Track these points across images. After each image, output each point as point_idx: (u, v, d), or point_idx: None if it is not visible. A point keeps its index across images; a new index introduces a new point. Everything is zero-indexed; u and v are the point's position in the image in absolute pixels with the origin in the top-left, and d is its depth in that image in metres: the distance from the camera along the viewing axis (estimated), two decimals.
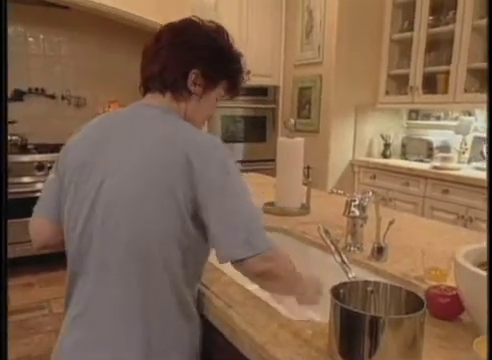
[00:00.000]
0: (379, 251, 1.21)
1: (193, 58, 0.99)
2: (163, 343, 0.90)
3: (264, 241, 0.89)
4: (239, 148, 4.28)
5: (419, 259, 1.13)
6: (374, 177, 3.79)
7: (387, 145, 3.98)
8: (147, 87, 1.03)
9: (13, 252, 3.01)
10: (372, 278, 1.19)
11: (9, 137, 3.48)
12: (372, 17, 3.83)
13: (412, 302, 0.71)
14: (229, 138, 4.18)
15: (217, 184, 0.87)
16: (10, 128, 3.58)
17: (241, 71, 1.08)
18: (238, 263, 0.87)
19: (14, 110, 3.81)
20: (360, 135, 4.01)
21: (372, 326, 0.66)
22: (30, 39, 3.94)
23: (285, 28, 4.28)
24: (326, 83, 3.88)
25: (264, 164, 4.10)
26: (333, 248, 0.85)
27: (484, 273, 0.75)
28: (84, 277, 0.92)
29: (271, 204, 1.78)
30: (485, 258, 0.82)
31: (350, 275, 0.82)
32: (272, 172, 4.18)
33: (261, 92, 4.28)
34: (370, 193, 1.15)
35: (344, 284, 0.76)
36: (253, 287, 1.00)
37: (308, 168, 4.14)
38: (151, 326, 0.88)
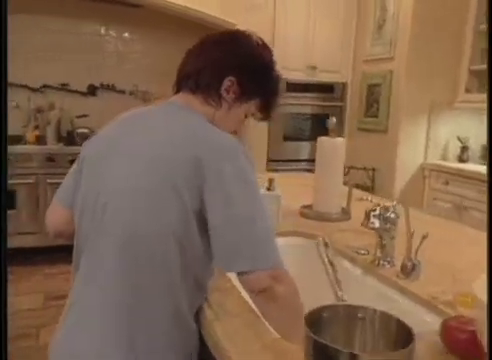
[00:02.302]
0: (408, 268, 1.07)
1: (232, 65, 0.97)
2: (150, 346, 0.85)
3: (273, 257, 0.82)
4: (305, 147, 4.16)
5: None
6: (447, 183, 3.48)
7: (464, 148, 3.64)
8: (180, 86, 1.01)
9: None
10: (397, 298, 1.06)
11: (80, 130, 3.67)
12: (453, 7, 3.51)
13: (402, 335, 0.59)
14: (293, 136, 4.08)
15: (229, 187, 0.82)
16: (82, 121, 3.80)
17: (277, 93, 1.04)
18: (241, 275, 0.82)
19: (88, 104, 4.04)
20: (434, 136, 3.71)
21: None
22: (105, 37, 4.13)
23: (356, 22, 4.08)
24: (397, 80, 3.62)
25: None
26: (327, 262, 0.75)
27: None
28: (79, 269, 0.92)
29: (308, 207, 1.67)
30: None
31: (339, 293, 0.71)
32: None
33: (327, 89, 4.12)
34: (394, 202, 1.01)
35: (329, 307, 0.66)
36: None
37: (373, 170, 3.94)
38: (137, 328, 0.84)
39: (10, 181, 3.32)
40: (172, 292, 0.86)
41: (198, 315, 0.92)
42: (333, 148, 1.63)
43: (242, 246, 0.81)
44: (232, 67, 0.97)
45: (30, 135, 3.59)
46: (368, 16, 3.92)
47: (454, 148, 3.72)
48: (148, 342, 0.85)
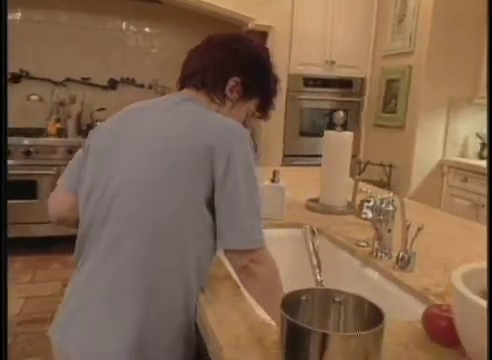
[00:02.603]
0: (403, 260, 1.08)
1: (237, 66, 1.03)
2: (157, 330, 0.88)
3: (259, 238, 0.90)
4: (321, 142, 4.13)
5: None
6: (465, 180, 3.43)
7: (484, 145, 3.57)
8: (184, 83, 1.06)
9: None
10: (391, 289, 1.07)
11: (99, 123, 3.75)
12: (475, 1, 3.43)
13: (374, 316, 0.61)
14: (310, 131, 4.08)
15: (236, 166, 0.88)
16: (101, 114, 3.88)
17: (275, 94, 1.11)
18: (228, 252, 0.91)
19: (108, 98, 4.12)
20: (453, 133, 3.65)
21: (317, 342, 0.58)
22: (126, 32, 4.21)
23: (376, 16, 4.03)
24: (416, 75, 3.58)
25: None
26: (311, 248, 0.77)
27: (482, 302, 0.62)
28: (91, 250, 0.94)
29: (315, 200, 1.69)
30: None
31: (319, 278, 0.74)
32: (351, 169, 4.02)
33: (346, 84, 4.09)
34: (391, 194, 1.02)
35: (307, 291, 0.69)
36: None
37: (390, 167, 3.90)
38: (150, 308, 0.87)
39: (32, 172, 3.44)
40: (183, 274, 0.89)
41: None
42: (340, 142, 1.64)
43: (234, 225, 0.88)
44: (236, 68, 1.03)
45: (52, 128, 3.70)
46: (388, 10, 3.88)
47: (474, 145, 3.66)
48: (159, 327, 0.88)
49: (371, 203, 1.02)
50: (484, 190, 3.23)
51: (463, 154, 3.68)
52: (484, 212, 3.20)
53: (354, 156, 4.28)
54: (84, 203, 0.97)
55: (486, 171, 3.24)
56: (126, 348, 0.85)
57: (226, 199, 0.88)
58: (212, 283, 0.98)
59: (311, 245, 0.76)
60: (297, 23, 3.87)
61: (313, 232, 0.79)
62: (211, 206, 0.90)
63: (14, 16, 3.90)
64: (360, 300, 0.66)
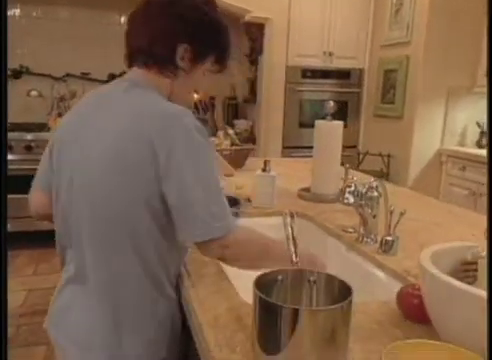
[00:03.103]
0: (387, 244, 1.10)
1: (183, 31, 0.96)
2: (132, 316, 0.92)
3: (224, 225, 0.85)
4: None
5: None
6: (464, 169, 3.44)
7: (483, 133, 3.57)
8: (132, 60, 1.00)
9: None
10: (375, 272, 1.10)
11: None
12: None
13: (344, 294, 0.64)
14: (309, 123, 4.08)
15: (178, 158, 0.84)
16: None
17: (229, 44, 1.04)
18: (197, 245, 0.87)
19: None
20: (451, 122, 3.65)
21: (288, 318, 0.61)
22: (124, 27, 4.20)
23: (374, 6, 4.02)
24: (413, 65, 3.58)
25: (343, 151, 3.95)
26: (290, 232, 0.79)
27: (449, 280, 0.65)
28: (69, 248, 0.98)
29: (307, 190, 1.71)
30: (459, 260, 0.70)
31: (294, 259, 0.76)
32: (351, 159, 4.02)
33: (344, 75, 4.10)
34: (371, 179, 1.04)
35: (282, 271, 0.71)
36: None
37: (388, 157, 3.91)
38: (120, 298, 0.91)
39: (34, 166, 3.47)
40: (146, 261, 0.90)
41: (178, 286, 0.98)
42: (330, 131, 1.65)
43: (189, 218, 0.84)
44: (183, 33, 0.95)
45: (52, 122, 3.74)
46: (385, 0, 3.87)
47: (472, 134, 3.66)
48: (130, 314, 0.92)
49: (352, 188, 1.04)
50: (483, 179, 3.24)
51: (461, 143, 3.69)
52: (482, 201, 3.21)
53: (354, 147, 4.33)
54: (54, 203, 0.99)
55: (485, 160, 3.25)
56: (108, 340, 0.91)
57: (175, 193, 0.84)
58: (196, 267, 1.01)
59: (290, 229, 0.78)
60: (295, 14, 3.87)
61: (292, 216, 0.81)
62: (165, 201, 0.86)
63: (13, 12, 3.93)
64: (331, 278, 0.68)
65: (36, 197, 1.08)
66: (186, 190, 0.84)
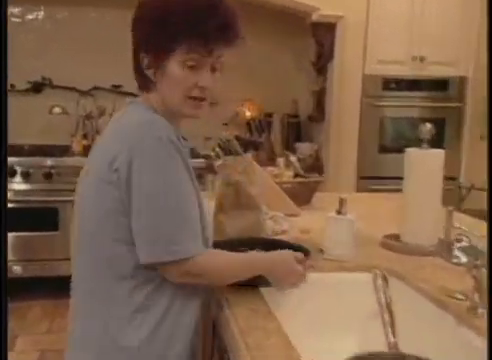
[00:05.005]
0: None
1: (138, 42, 1.15)
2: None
3: (183, 249, 1.03)
4: None
5: None
6: None
7: None
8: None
9: None
10: None
11: None
12: None
13: None
14: (393, 147, 4.02)
15: (136, 181, 1.03)
16: None
17: (192, 22, 1.07)
18: (157, 264, 1.06)
19: None
20: None
21: None
22: None
23: None
24: None
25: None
26: (383, 301, 0.76)
27: None
28: None
29: (394, 237, 1.66)
30: None
31: (391, 339, 0.73)
32: (450, 194, 3.90)
33: (439, 86, 4.03)
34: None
35: (380, 355, 0.68)
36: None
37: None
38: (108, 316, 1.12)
39: (53, 198, 3.61)
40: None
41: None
42: (427, 162, 1.61)
43: (143, 239, 1.05)
44: (139, 44, 1.15)
45: (77, 145, 3.89)
46: None
47: None
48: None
49: (464, 243, 0.99)
50: None
51: None
52: None
53: (453, 179, 4.19)
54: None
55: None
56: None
57: (133, 211, 1.04)
58: (258, 336, 1.00)
59: (383, 296, 0.75)
60: (374, 10, 3.86)
61: (385, 279, 0.78)
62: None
63: (37, 15, 4.19)
64: None
65: None
66: (145, 211, 1.04)
